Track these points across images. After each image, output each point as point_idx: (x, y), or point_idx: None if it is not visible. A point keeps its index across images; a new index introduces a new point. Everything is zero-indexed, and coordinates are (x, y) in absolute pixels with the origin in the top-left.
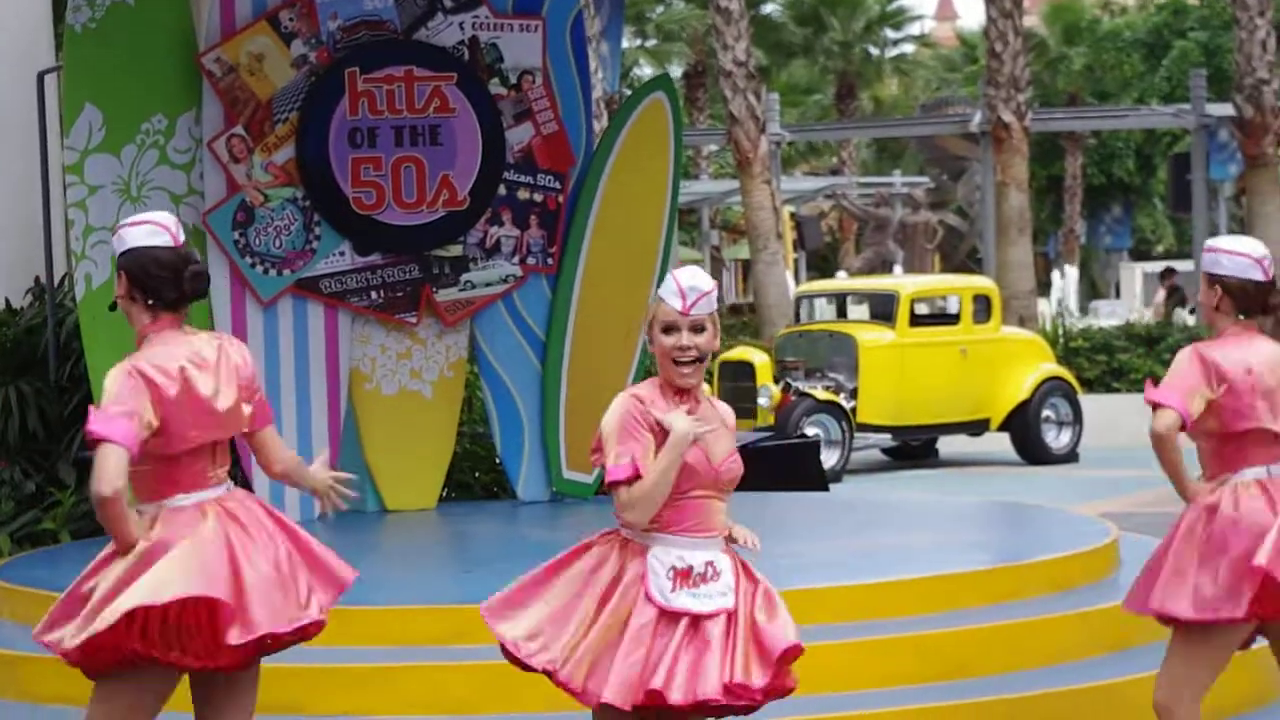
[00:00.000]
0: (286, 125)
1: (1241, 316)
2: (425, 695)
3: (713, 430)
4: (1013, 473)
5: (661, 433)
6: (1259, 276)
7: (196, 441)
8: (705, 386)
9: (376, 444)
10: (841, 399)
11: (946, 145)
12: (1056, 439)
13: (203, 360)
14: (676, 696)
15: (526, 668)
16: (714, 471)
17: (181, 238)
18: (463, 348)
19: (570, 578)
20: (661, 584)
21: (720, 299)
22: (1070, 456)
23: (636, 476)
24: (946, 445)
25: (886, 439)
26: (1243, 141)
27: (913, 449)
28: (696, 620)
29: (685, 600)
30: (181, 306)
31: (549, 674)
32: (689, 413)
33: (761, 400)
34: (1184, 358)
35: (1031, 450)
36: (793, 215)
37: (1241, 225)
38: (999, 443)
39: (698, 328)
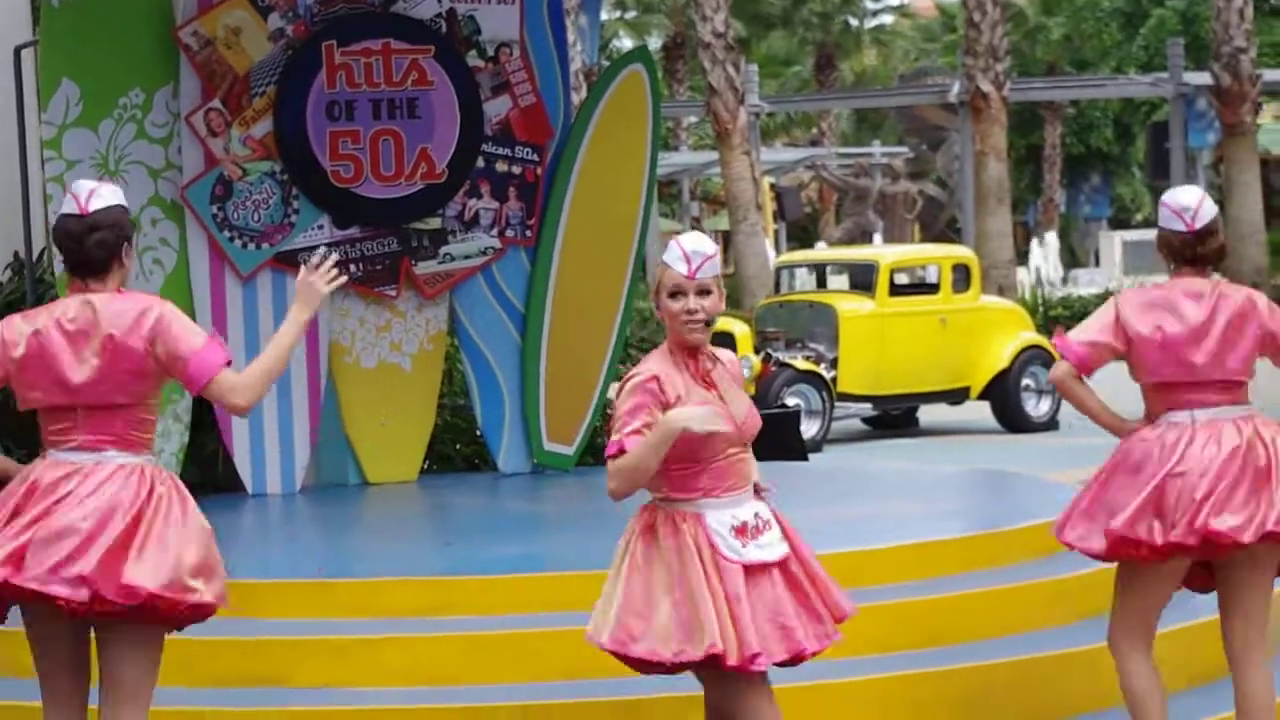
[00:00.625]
0: (264, 99)
1: (1172, 267)
2: (406, 667)
3: (717, 413)
4: (993, 441)
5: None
6: (1179, 226)
7: (39, 403)
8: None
9: (357, 417)
10: (822, 369)
11: (925, 115)
12: (1036, 407)
13: (71, 326)
14: (814, 646)
15: (684, 667)
16: (740, 430)
17: (95, 205)
18: (442, 320)
19: (660, 566)
20: (731, 544)
21: None
22: (1050, 424)
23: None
24: (927, 414)
25: (867, 408)
26: (1220, 110)
27: (893, 418)
28: (769, 569)
29: (755, 553)
30: (89, 273)
31: (716, 657)
32: (700, 375)
33: (743, 370)
34: (1103, 308)
35: (1011, 418)
36: (772, 186)
37: (1220, 193)
38: (979, 411)
39: (704, 291)
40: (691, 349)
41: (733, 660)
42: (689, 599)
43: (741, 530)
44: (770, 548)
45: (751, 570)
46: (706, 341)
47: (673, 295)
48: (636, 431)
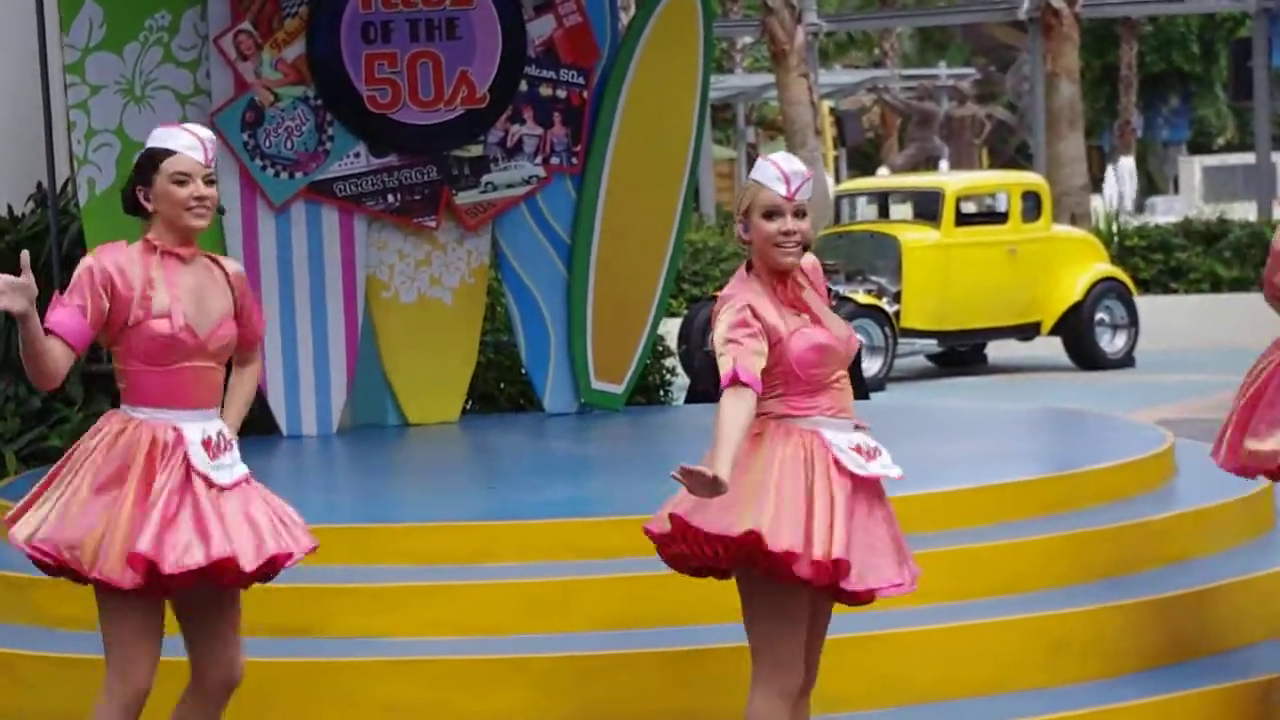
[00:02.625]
0: (296, 20)
1: None
2: (446, 615)
3: None
4: (1065, 379)
5: (773, 343)
6: None
7: None
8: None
9: (396, 355)
10: (884, 303)
11: (994, 34)
12: (1111, 343)
13: None
14: (902, 579)
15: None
16: (845, 348)
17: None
18: (484, 253)
19: (756, 469)
20: (855, 459)
21: None
22: (1126, 361)
23: (740, 383)
24: (995, 350)
25: (932, 345)
26: None
27: (960, 355)
28: (880, 494)
29: (877, 468)
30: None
31: (838, 563)
32: (790, 300)
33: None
34: None
35: (1085, 355)
36: (832, 111)
37: None
38: (1050, 347)
39: (800, 212)
40: (782, 273)
41: (780, 546)
42: (783, 498)
43: (858, 449)
44: (890, 468)
45: (864, 486)
46: (799, 265)
47: (768, 215)
48: (743, 354)
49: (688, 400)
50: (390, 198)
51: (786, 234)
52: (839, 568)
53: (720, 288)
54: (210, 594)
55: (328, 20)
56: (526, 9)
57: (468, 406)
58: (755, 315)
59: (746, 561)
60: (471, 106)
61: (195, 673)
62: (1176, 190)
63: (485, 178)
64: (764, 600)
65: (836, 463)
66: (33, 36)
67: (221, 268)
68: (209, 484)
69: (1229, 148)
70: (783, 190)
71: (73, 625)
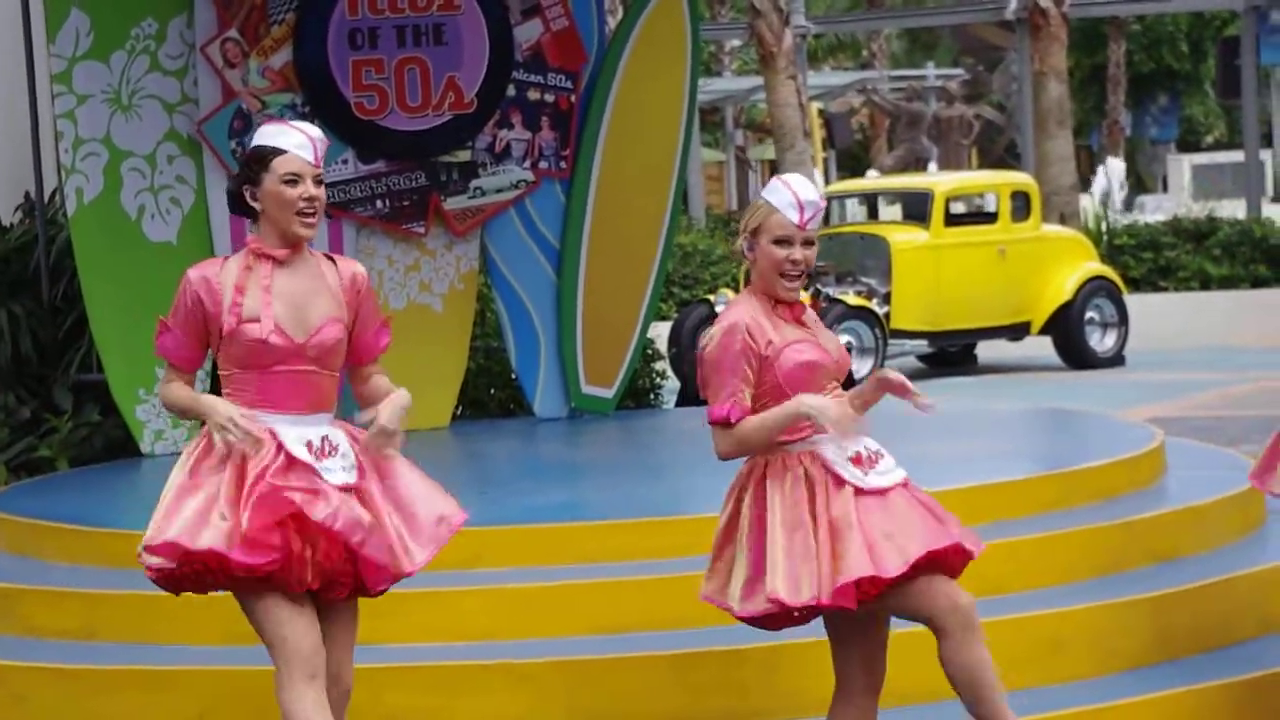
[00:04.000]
0: (283, 27)
1: None
2: (438, 622)
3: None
4: (1056, 378)
5: (765, 359)
6: None
7: None
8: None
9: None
10: (874, 304)
11: (982, 34)
12: (1101, 342)
13: None
14: (945, 541)
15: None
16: (836, 364)
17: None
18: (474, 258)
19: (775, 514)
20: (853, 472)
21: (748, 203)
22: (1116, 360)
23: (733, 421)
24: (985, 351)
25: (922, 345)
26: None
27: (950, 355)
28: (886, 492)
29: (876, 479)
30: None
31: (820, 607)
32: (792, 316)
33: None
34: None
35: (1075, 354)
36: (821, 112)
37: None
38: (1041, 347)
39: (809, 242)
40: (781, 303)
41: (825, 599)
42: (805, 542)
43: (858, 460)
44: (891, 474)
45: (867, 494)
46: (798, 295)
47: (779, 243)
48: (735, 394)
49: (678, 404)
50: (379, 204)
51: (794, 263)
52: (851, 593)
53: (710, 290)
54: (332, 600)
55: (314, 27)
56: (513, 13)
57: (458, 412)
58: (751, 336)
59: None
60: (459, 112)
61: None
62: (1165, 189)
63: (474, 183)
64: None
65: (836, 477)
66: (19, 46)
67: (337, 269)
68: (315, 474)
69: (1218, 146)
70: (796, 219)
71: (63, 636)
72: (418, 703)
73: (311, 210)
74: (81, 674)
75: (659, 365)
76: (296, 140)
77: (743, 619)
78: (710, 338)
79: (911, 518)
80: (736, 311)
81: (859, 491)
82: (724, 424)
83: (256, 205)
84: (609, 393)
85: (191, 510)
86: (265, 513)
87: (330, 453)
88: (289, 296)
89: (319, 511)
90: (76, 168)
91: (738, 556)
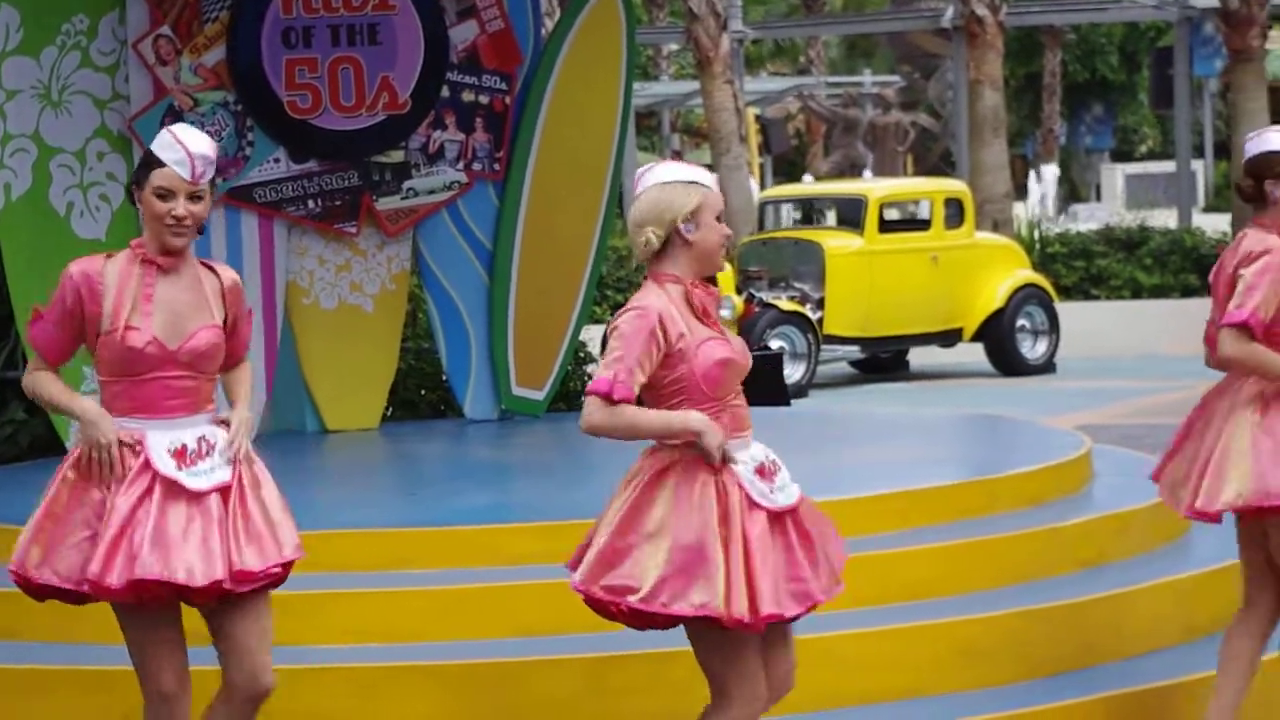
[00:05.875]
0: (216, 25)
1: None
2: (367, 623)
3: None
4: (987, 385)
5: (676, 353)
6: None
7: None
8: None
9: (315, 361)
10: (807, 309)
11: (919, 42)
12: (1032, 349)
13: None
14: (824, 598)
15: (665, 621)
16: (746, 365)
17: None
18: (405, 259)
19: (664, 506)
20: (760, 487)
21: None
22: (1047, 367)
23: (615, 398)
24: (918, 357)
25: (855, 351)
26: (1227, 35)
27: (882, 361)
28: (784, 515)
29: (780, 497)
30: None
31: (711, 619)
32: (701, 310)
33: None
34: None
35: (1006, 361)
36: (758, 118)
37: (1228, 123)
38: (972, 354)
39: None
40: (706, 284)
41: (739, 617)
42: (696, 547)
43: (761, 471)
44: (787, 490)
45: (774, 517)
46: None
47: (720, 218)
48: (628, 373)
49: None
50: (311, 204)
51: (727, 236)
52: (769, 619)
53: None
54: (231, 603)
55: (248, 25)
56: (449, 14)
57: (388, 413)
58: (663, 324)
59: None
60: (393, 112)
61: (222, 681)
62: (1099, 198)
63: (407, 184)
64: (706, 642)
65: (748, 497)
66: None
67: (217, 276)
68: (179, 491)
69: (1151, 155)
70: (720, 201)
71: (32, 636)
72: (339, 705)
73: (181, 228)
74: (4, 674)
75: (591, 368)
76: (176, 156)
77: (642, 610)
78: (626, 312)
79: (801, 559)
80: (653, 298)
81: (771, 515)
82: (605, 397)
83: (139, 208)
84: (540, 395)
85: (60, 535)
86: (126, 576)
87: (206, 453)
88: (169, 304)
89: (179, 577)
90: (5, 164)
91: (645, 549)
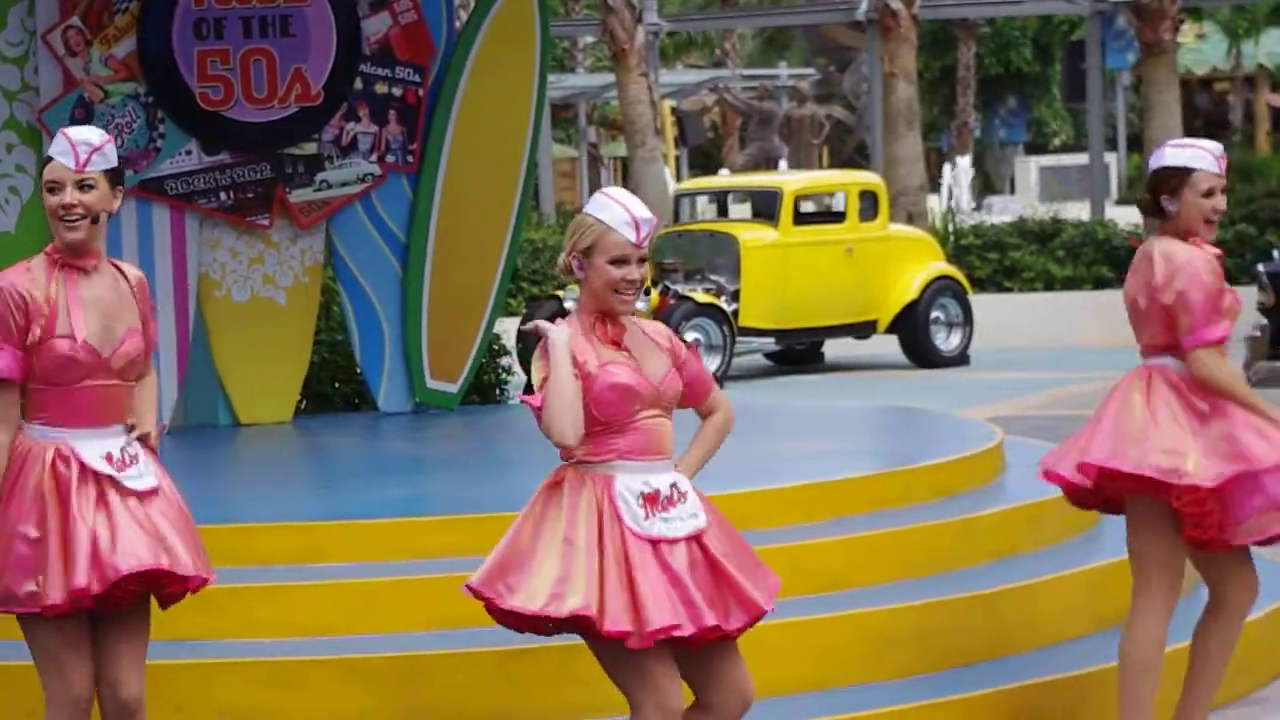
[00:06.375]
0: (126, 16)
1: None
2: (278, 616)
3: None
4: (901, 376)
5: (583, 369)
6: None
7: None
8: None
9: (228, 354)
10: (722, 301)
11: (833, 35)
12: (946, 341)
13: None
14: (690, 629)
15: (554, 626)
16: (655, 390)
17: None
18: (319, 251)
19: (554, 520)
20: (635, 512)
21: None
22: (961, 359)
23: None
24: (833, 349)
25: (770, 343)
26: (1139, 28)
27: (797, 353)
28: (675, 544)
29: (660, 526)
30: None
31: (587, 619)
32: (611, 338)
33: (639, 304)
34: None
35: (920, 353)
36: (673, 110)
37: (1140, 116)
38: (887, 345)
39: (643, 259)
40: (609, 317)
41: (608, 626)
42: (574, 555)
43: (652, 499)
44: (677, 522)
45: (656, 545)
46: (632, 310)
47: (615, 263)
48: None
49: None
50: (223, 196)
51: (629, 282)
52: (664, 632)
53: (559, 286)
54: (105, 612)
55: (159, 16)
56: (361, 6)
57: (301, 406)
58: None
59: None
60: (305, 104)
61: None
62: (1013, 190)
63: (319, 176)
64: (602, 653)
65: (618, 516)
66: None
67: (126, 276)
68: (120, 490)
69: (1065, 148)
70: (633, 237)
71: None
72: (252, 699)
73: (71, 219)
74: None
75: (505, 360)
76: (60, 147)
77: (512, 611)
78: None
79: (688, 583)
80: (568, 330)
81: (655, 541)
82: (538, 409)
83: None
84: (454, 388)
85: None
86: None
87: (131, 462)
88: (98, 308)
89: (124, 564)
90: None
91: (525, 555)
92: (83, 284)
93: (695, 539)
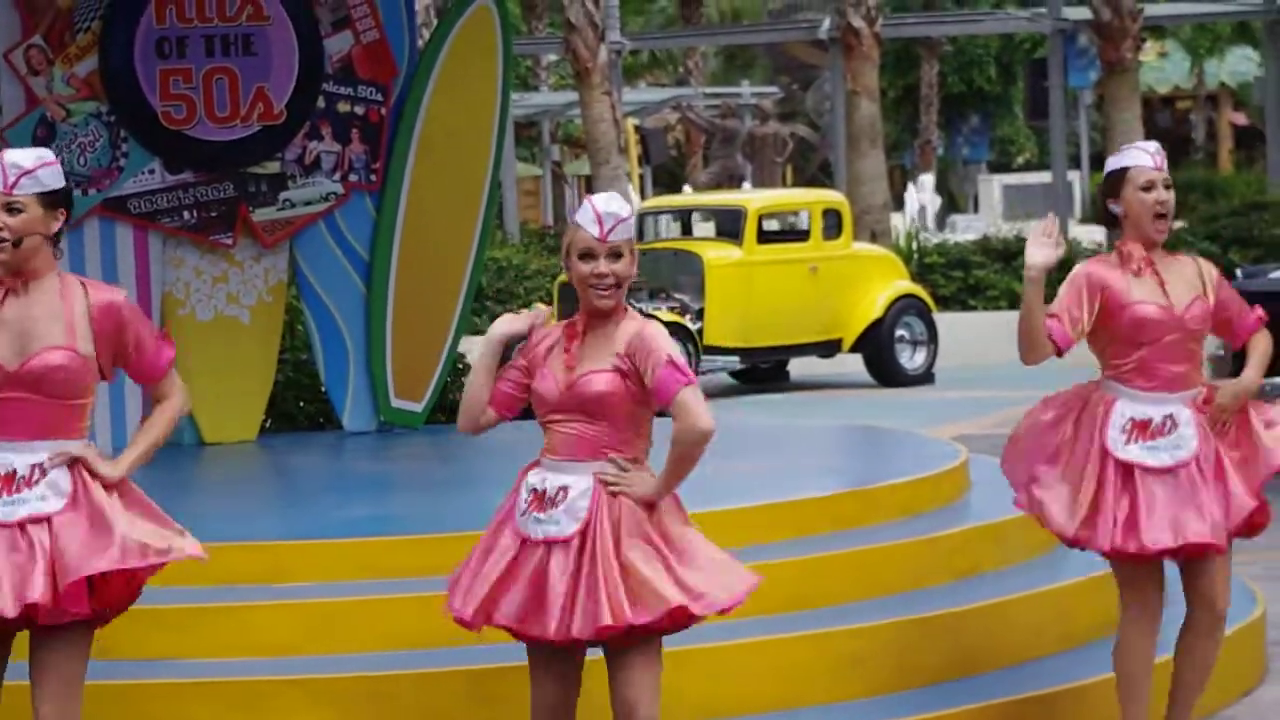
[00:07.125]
0: (89, 35)
1: None
2: (242, 637)
3: (539, 318)
4: (866, 395)
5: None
6: None
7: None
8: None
9: (192, 373)
10: (687, 320)
11: (796, 53)
12: (911, 359)
13: None
14: (579, 629)
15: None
16: (565, 393)
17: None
18: (282, 270)
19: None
20: (522, 507)
21: (564, 218)
22: (925, 378)
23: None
24: (797, 367)
25: (734, 362)
26: (1101, 47)
27: (762, 372)
28: (555, 545)
29: (532, 526)
30: None
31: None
32: (574, 337)
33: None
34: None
35: (885, 372)
36: (636, 128)
37: (1103, 134)
38: (852, 364)
39: (615, 254)
40: (602, 314)
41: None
42: (483, 559)
43: (538, 498)
44: (547, 524)
45: (533, 544)
46: (617, 306)
47: (583, 257)
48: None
49: None
50: (186, 215)
51: (598, 276)
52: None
53: (525, 305)
54: (35, 640)
55: (121, 35)
56: (324, 25)
57: (266, 425)
58: (525, 357)
59: None
60: (268, 123)
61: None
62: (977, 208)
63: (283, 195)
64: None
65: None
66: None
67: (87, 298)
68: None
69: (1028, 166)
70: (596, 232)
71: None
72: (216, 719)
73: None
74: None
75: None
76: None
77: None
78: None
79: (557, 588)
80: (498, 322)
81: (532, 540)
82: None
83: None
84: (419, 406)
85: None
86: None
87: (34, 482)
88: (15, 323)
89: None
90: None
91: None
92: (9, 304)
93: (574, 543)
